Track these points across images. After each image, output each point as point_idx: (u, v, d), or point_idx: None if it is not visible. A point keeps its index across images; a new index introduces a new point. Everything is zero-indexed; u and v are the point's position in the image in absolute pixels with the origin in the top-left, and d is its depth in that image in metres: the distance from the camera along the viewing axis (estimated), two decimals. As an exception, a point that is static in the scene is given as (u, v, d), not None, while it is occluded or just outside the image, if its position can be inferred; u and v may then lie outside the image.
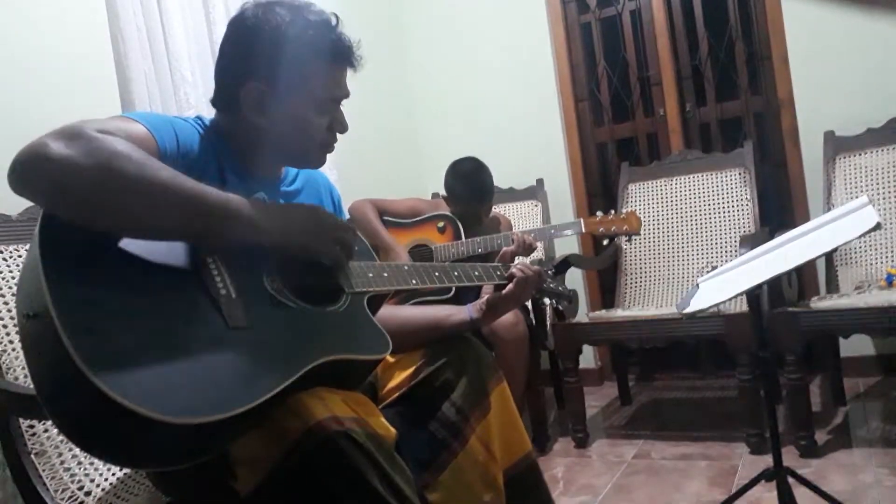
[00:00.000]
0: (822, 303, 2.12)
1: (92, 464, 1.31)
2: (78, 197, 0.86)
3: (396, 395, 1.27)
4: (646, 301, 2.78)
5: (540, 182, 3.18)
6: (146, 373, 0.81)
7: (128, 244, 0.93)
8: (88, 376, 0.75)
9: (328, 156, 1.24)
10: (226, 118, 1.17)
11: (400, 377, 1.28)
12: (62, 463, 1.27)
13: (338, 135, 1.21)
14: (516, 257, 2.33)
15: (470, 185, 2.48)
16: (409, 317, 1.35)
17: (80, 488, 1.27)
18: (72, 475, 1.27)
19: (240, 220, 0.98)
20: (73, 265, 0.86)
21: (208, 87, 2.17)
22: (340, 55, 1.16)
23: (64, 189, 0.86)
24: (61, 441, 1.29)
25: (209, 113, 1.20)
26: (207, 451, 0.91)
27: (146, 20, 2.07)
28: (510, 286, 1.35)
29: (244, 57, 1.14)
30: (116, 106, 1.96)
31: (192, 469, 0.93)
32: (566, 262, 1.50)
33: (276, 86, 1.11)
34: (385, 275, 1.22)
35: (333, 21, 1.16)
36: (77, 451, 1.30)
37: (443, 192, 2.71)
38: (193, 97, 2.16)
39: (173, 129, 1.07)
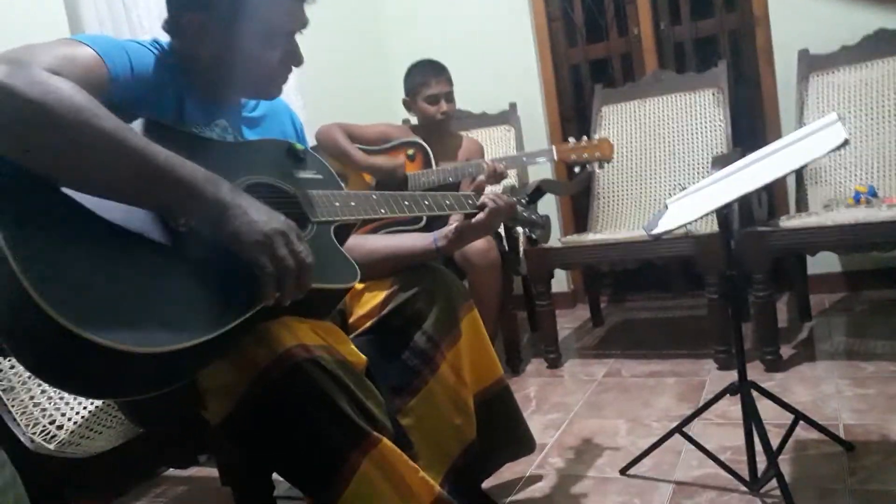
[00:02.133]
0: (791, 221, 2.14)
1: (62, 398, 1.31)
2: (12, 131, 0.81)
3: (367, 324, 1.28)
4: (618, 224, 2.79)
5: (513, 106, 3.12)
6: (108, 305, 0.80)
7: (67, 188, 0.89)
8: (48, 311, 0.74)
9: (292, 82, 1.19)
10: (178, 44, 1.11)
11: (369, 305, 1.29)
12: (32, 398, 1.27)
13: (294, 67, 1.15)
14: (487, 186, 2.31)
15: (421, 65, 2.55)
16: (375, 245, 1.34)
17: (52, 422, 1.27)
18: (42, 410, 1.27)
19: (189, 191, 0.88)
20: (25, 200, 0.82)
21: (162, 10, 2.07)
22: None
23: None
24: (29, 376, 1.28)
25: (165, 37, 1.14)
26: (174, 380, 0.91)
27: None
28: (480, 215, 1.34)
29: None
30: (64, 30, 1.86)
31: (162, 399, 0.93)
32: (539, 191, 1.48)
33: (220, 17, 1.05)
34: (352, 204, 1.20)
35: None
36: (46, 385, 1.29)
37: (413, 119, 2.66)
38: (147, 21, 2.06)
39: (126, 52, 1.01)
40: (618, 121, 2.91)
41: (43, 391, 1.28)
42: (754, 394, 1.44)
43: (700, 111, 2.76)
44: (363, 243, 1.33)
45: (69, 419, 1.29)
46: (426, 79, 2.50)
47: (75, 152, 0.83)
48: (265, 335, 0.96)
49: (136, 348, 0.78)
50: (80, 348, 0.76)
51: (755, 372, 2.08)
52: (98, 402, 1.34)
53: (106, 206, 0.88)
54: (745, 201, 2.11)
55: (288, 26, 1.11)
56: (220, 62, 1.08)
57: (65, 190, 0.87)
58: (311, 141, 2.43)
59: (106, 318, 0.78)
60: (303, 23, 1.13)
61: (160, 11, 2.06)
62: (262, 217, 0.91)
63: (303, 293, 0.94)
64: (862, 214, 1.99)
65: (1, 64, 0.82)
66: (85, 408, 1.32)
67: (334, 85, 2.91)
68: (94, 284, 0.81)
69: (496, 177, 2.30)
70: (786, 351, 2.22)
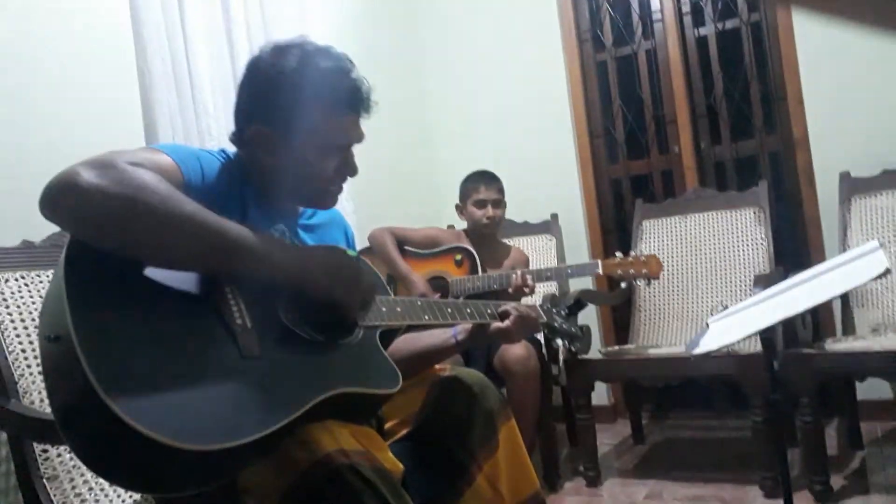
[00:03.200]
0: (837, 345, 2.10)
1: (102, 490, 1.32)
2: (105, 225, 0.90)
3: (404, 431, 1.28)
4: (660, 338, 2.77)
5: (554, 217, 3.19)
6: (160, 398, 0.84)
7: (149, 272, 0.96)
8: (104, 399, 0.77)
9: (345, 188, 1.26)
10: (243, 153, 1.20)
11: (406, 411, 1.29)
12: (73, 488, 1.28)
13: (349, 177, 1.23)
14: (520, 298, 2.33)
15: (474, 174, 2.69)
16: (396, 346, 1.34)
17: (90, 514, 1.28)
18: (83, 501, 1.28)
19: (258, 256, 1.00)
20: (96, 291, 0.88)
21: (230, 118, 2.22)
22: (351, 102, 1.17)
23: (93, 217, 0.89)
24: (73, 466, 1.30)
25: (229, 146, 1.23)
26: (216, 478, 0.92)
27: (171, 53, 2.14)
28: (507, 322, 1.37)
29: (253, 100, 1.17)
30: (140, 136, 2.01)
31: (200, 496, 0.94)
32: (579, 303, 1.50)
33: (282, 130, 1.14)
34: (398, 309, 1.24)
35: (348, 67, 1.18)
36: (88, 476, 1.32)
37: (459, 225, 2.74)
38: (215, 129, 2.21)
39: (199, 161, 1.10)
40: (658, 235, 2.94)
41: (85, 481, 1.30)
42: (803, 526, 1.38)
43: (741, 229, 2.78)
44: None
45: (107, 512, 1.30)
46: (477, 185, 2.61)
47: (165, 236, 0.92)
48: (306, 438, 0.97)
49: (187, 445, 0.80)
50: (131, 440, 0.78)
51: (804, 502, 1.99)
52: (137, 497, 1.35)
53: (172, 298, 0.94)
54: (789, 322, 2.08)
55: (343, 140, 1.19)
56: (280, 171, 1.17)
57: (138, 282, 0.93)
58: (363, 243, 2.53)
59: (160, 413, 0.81)
60: (359, 137, 1.21)
61: (227, 121, 2.22)
62: (327, 262, 1.09)
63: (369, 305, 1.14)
64: (911, 340, 1.95)
65: (90, 168, 0.90)
66: (124, 501, 1.33)
67: (384, 191, 3.03)
68: (154, 381, 0.84)
69: (522, 293, 2.31)
70: (836, 481, 2.12)
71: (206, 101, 2.22)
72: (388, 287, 1.31)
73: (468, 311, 1.36)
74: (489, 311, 1.38)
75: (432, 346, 1.38)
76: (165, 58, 2.11)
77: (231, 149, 1.22)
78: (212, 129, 2.21)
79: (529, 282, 2.32)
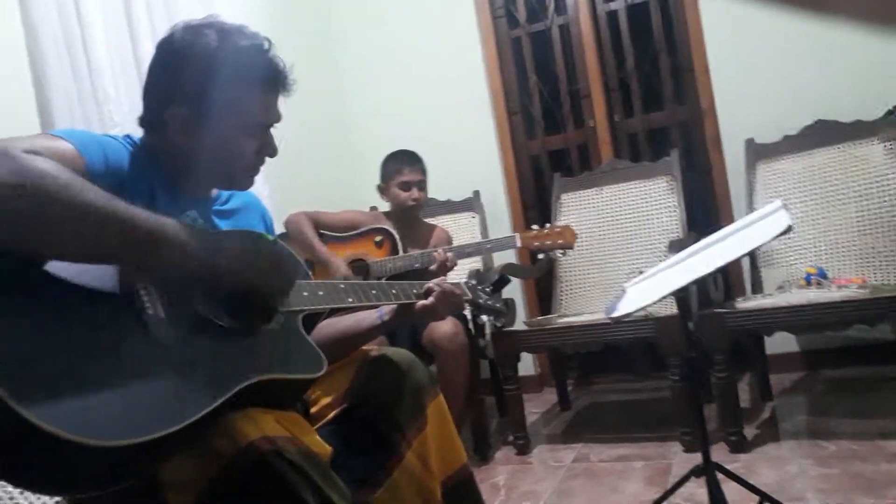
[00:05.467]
0: (747, 303, 2.21)
1: (12, 498, 1.26)
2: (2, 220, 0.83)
3: (332, 413, 1.27)
4: (581, 307, 2.84)
5: (476, 194, 3.22)
6: (68, 395, 0.79)
7: (53, 266, 0.90)
8: (6, 400, 0.73)
9: (261, 171, 1.23)
10: (154, 138, 1.15)
11: (332, 395, 1.28)
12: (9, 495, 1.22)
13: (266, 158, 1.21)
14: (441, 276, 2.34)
15: (397, 154, 2.66)
16: (323, 331, 1.32)
17: (2, 524, 1.21)
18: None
19: (170, 245, 0.93)
20: None
21: (133, 104, 2.13)
22: (270, 81, 1.15)
23: None
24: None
25: (134, 130, 1.18)
26: (134, 475, 0.89)
27: (65, 36, 2.01)
28: (429, 299, 1.37)
29: (170, 81, 1.12)
30: (35, 126, 1.89)
31: (119, 495, 0.91)
32: (503, 279, 1.52)
33: (202, 111, 1.10)
34: (320, 293, 1.22)
35: (265, 45, 1.15)
36: (-3, 484, 1.25)
37: (381, 206, 2.73)
38: (118, 115, 2.11)
39: (102, 147, 1.05)
40: (577, 207, 3.01)
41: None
42: (720, 476, 1.45)
43: (655, 198, 2.88)
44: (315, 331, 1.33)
45: (20, 520, 1.24)
46: (401, 166, 2.59)
47: (66, 227, 0.85)
48: (228, 427, 0.94)
49: (99, 442, 0.77)
50: (36, 439, 0.74)
51: (720, 453, 2.09)
52: (50, 501, 1.29)
53: (76, 289, 0.89)
54: (702, 284, 2.18)
55: (264, 119, 1.17)
56: (199, 153, 1.13)
57: (40, 276, 0.87)
58: (279, 229, 2.47)
59: (65, 408, 0.77)
60: (278, 116, 1.19)
61: (131, 106, 2.13)
62: (240, 245, 1.05)
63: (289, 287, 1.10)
64: (813, 295, 2.07)
65: None
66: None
67: (300, 174, 2.97)
68: (59, 375, 0.80)
69: (445, 268, 2.32)
70: (749, 431, 2.25)
71: (106, 87, 2.10)
72: (308, 271, 1.29)
73: (393, 291, 1.36)
74: (415, 290, 1.38)
75: (359, 328, 1.37)
76: (59, 41, 1.99)
77: (137, 134, 1.17)
78: (114, 116, 2.10)
79: (450, 258, 2.33)
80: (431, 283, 1.38)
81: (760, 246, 1.36)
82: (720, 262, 1.26)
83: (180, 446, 0.90)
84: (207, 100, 1.10)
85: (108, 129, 2.05)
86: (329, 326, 1.35)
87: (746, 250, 1.29)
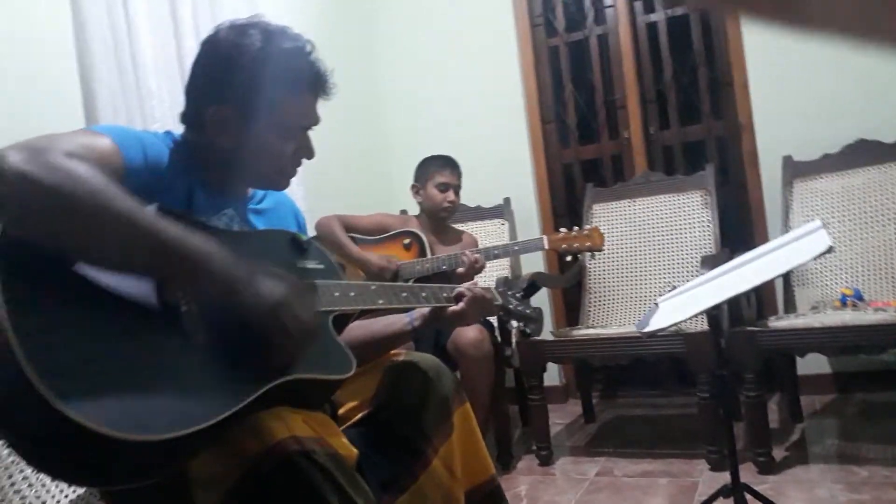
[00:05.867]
0: (780, 322, 2.17)
1: (44, 485, 1.28)
2: (28, 215, 0.84)
3: (359, 415, 1.27)
4: (609, 319, 2.82)
5: (507, 201, 3.21)
6: (101, 388, 0.80)
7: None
8: (40, 391, 0.74)
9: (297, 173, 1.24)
10: (194, 135, 1.16)
11: (360, 397, 1.28)
12: (13, 485, 1.24)
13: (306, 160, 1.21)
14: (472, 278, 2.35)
15: (436, 157, 2.66)
16: (352, 333, 1.32)
17: (32, 510, 1.24)
18: (22, 497, 1.24)
19: (193, 262, 0.90)
20: (32, 277, 0.84)
21: (175, 101, 2.16)
22: (311, 85, 1.16)
23: (13, 204, 0.84)
24: (11, 462, 1.25)
25: (174, 127, 1.20)
26: (164, 469, 0.90)
27: (113, 33, 2.05)
28: (460, 304, 1.36)
29: (213, 79, 1.13)
30: (80, 119, 1.93)
31: (148, 489, 0.92)
32: (533, 286, 1.52)
33: (243, 111, 1.11)
34: (351, 294, 1.22)
35: (308, 48, 1.16)
36: (28, 472, 1.27)
37: (412, 210, 2.73)
38: (159, 111, 2.14)
39: (141, 143, 1.06)
40: (608, 218, 2.99)
41: (24, 478, 1.25)
42: (748, 497, 1.42)
43: (688, 212, 2.84)
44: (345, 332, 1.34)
45: (49, 507, 1.26)
46: (440, 168, 2.60)
47: (92, 234, 0.86)
48: (257, 426, 0.95)
49: (127, 435, 0.77)
50: (69, 431, 0.75)
51: (748, 474, 2.05)
52: (80, 491, 1.31)
53: (113, 288, 0.90)
54: (734, 301, 2.14)
55: (303, 122, 1.18)
56: (237, 153, 1.14)
57: (74, 268, 0.89)
58: (312, 232, 2.49)
59: (99, 403, 0.78)
60: (316, 119, 1.20)
61: (172, 102, 2.16)
62: (266, 289, 0.95)
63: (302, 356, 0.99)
64: (849, 317, 2.03)
65: (20, 151, 0.85)
66: (66, 496, 1.29)
67: (334, 177, 2.99)
68: (94, 370, 0.81)
69: (473, 270, 2.32)
70: (778, 453, 2.20)
71: (149, 83, 2.14)
72: (340, 271, 1.29)
73: (423, 294, 1.36)
74: (445, 294, 1.38)
75: (388, 332, 1.37)
76: (106, 37, 2.03)
77: (177, 131, 1.18)
78: (155, 112, 2.14)
79: (479, 259, 2.33)
80: (462, 288, 1.38)
81: (799, 266, 1.33)
82: (757, 281, 1.24)
83: (210, 443, 0.91)
84: (249, 100, 1.11)
85: (149, 124, 2.09)
86: (358, 329, 1.35)
87: (785, 270, 1.27)
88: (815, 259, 1.25)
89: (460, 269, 2.31)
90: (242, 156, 1.14)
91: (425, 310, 1.37)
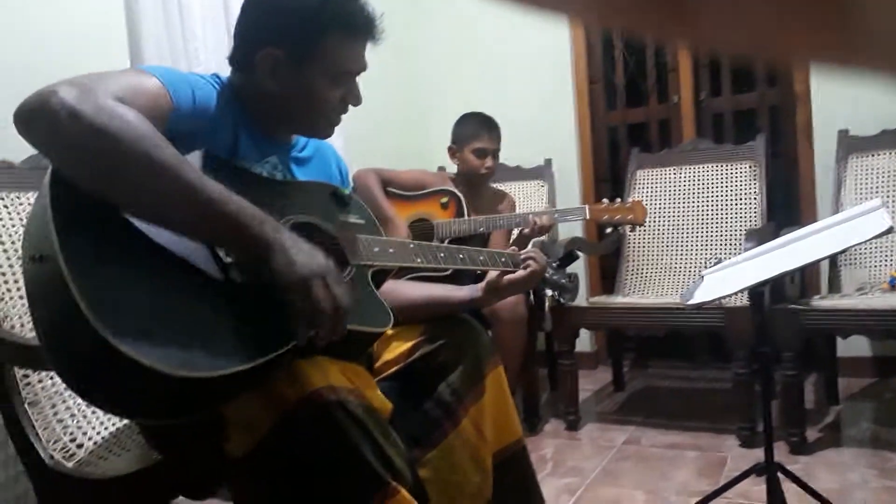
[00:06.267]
0: (824, 302, 2.11)
1: (85, 416, 1.31)
2: (72, 151, 0.84)
3: (393, 369, 1.28)
4: (646, 289, 2.77)
5: (548, 162, 3.15)
6: (147, 322, 0.82)
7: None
8: (91, 321, 0.75)
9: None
10: (242, 78, 1.15)
11: (397, 351, 1.29)
12: (55, 414, 1.27)
13: (350, 107, 1.19)
14: (531, 240, 2.34)
15: (474, 117, 2.57)
16: (412, 292, 1.35)
17: (73, 440, 1.27)
18: (64, 427, 1.27)
19: (239, 227, 0.89)
20: (82, 213, 0.85)
21: (219, 45, 2.15)
22: (362, 29, 1.14)
23: (61, 139, 0.84)
24: (55, 392, 1.29)
25: (218, 69, 1.18)
26: (203, 408, 0.92)
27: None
28: (520, 273, 1.35)
29: (264, 22, 1.12)
30: (125, 59, 1.93)
31: (186, 427, 0.94)
32: (571, 255, 1.49)
33: (294, 54, 1.10)
34: (391, 250, 1.22)
35: None
36: (71, 403, 1.30)
37: (450, 168, 2.70)
38: (203, 54, 2.13)
39: (190, 86, 1.05)
40: (652, 185, 2.92)
41: (67, 408, 1.29)
42: (779, 476, 1.40)
43: (736, 183, 2.76)
44: (401, 289, 1.34)
45: (90, 438, 1.29)
46: (479, 131, 2.52)
47: (134, 179, 0.86)
48: (295, 373, 0.95)
49: (172, 371, 0.79)
50: (117, 363, 0.77)
51: (779, 453, 2.01)
52: (119, 424, 1.34)
53: (161, 232, 0.90)
54: (778, 278, 2.09)
55: (353, 67, 1.16)
56: (286, 97, 1.13)
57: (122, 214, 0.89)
58: (352, 182, 2.48)
59: (147, 338, 0.80)
60: (364, 65, 1.18)
61: (216, 44, 2.15)
62: (301, 258, 0.92)
63: (338, 337, 0.95)
64: (897, 301, 1.96)
65: (72, 88, 0.85)
66: (106, 428, 1.32)
67: (374, 131, 2.97)
68: (140, 306, 0.83)
69: (541, 231, 2.32)
70: (811, 434, 2.17)
71: (194, 26, 2.13)
72: (379, 227, 1.28)
73: (461, 255, 1.34)
74: (482, 258, 1.36)
75: (448, 300, 1.36)
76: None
77: (224, 74, 1.17)
78: (199, 55, 2.13)
79: (542, 221, 2.32)
80: (531, 254, 1.37)
81: (855, 246, 1.28)
82: (810, 259, 1.19)
83: (249, 386, 0.92)
84: (300, 44, 1.09)
85: (193, 66, 2.08)
86: (411, 290, 1.36)
87: (840, 248, 1.22)
88: (872, 239, 1.19)
89: (526, 230, 2.30)
90: (290, 100, 1.13)
91: (483, 283, 1.36)
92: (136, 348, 0.76)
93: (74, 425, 1.29)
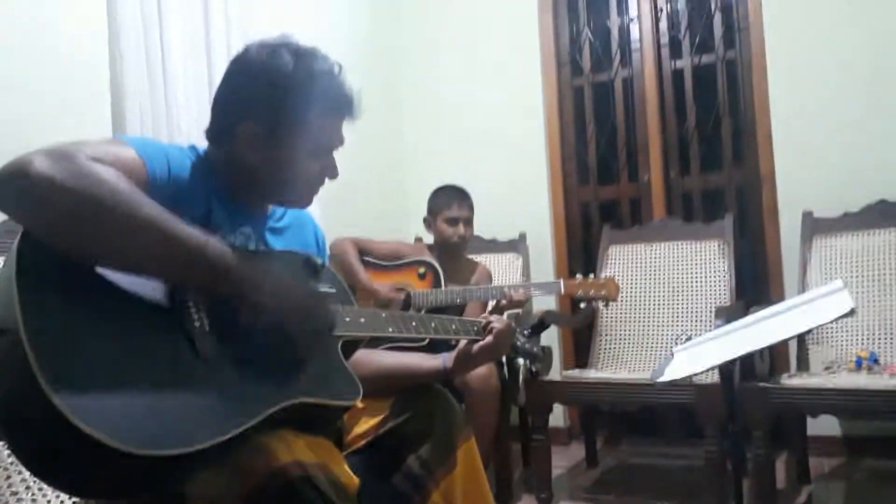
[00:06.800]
0: (793, 380, 2.13)
1: (41, 489, 1.26)
2: (53, 220, 0.85)
3: (362, 442, 1.26)
4: (619, 363, 2.78)
5: (522, 236, 3.20)
6: (110, 400, 0.80)
7: (106, 270, 0.91)
8: (50, 397, 0.74)
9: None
10: (218, 151, 1.17)
11: (367, 424, 1.27)
12: (9, 486, 1.22)
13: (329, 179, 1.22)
14: (505, 312, 2.35)
15: (446, 188, 2.66)
16: (382, 362, 1.34)
17: (25, 514, 1.22)
18: (18, 499, 1.22)
19: (222, 274, 0.94)
20: (49, 284, 0.84)
21: (202, 114, 2.18)
22: (341, 106, 1.17)
23: (39, 210, 0.85)
24: (11, 463, 1.24)
25: (199, 140, 1.20)
26: (165, 485, 0.89)
27: (146, 40, 2.08)
28: (488, 338, 1.35)
29: (245, 97, 1.14)
30: (107, 124, 1.95)
31: (145, 503, 0.90)
32: (542, 324, 1.51)
33: (273, 129, 1.12)
34: (362, 320, 1.22)
35: (336, 70, 1.17)
36: (27, 475, 1.25)
37: (427, 239, 2.73)
38: (185, 122, 2.16)
39: (165, 156, 1.06)
40: (624, 261, 2.97)
41: (23, 480, 1.24)
42: (753, 560, 1.38)
43: (705, 261, 2.82)
44: (372, 359, 1.33)
45: (43, 513, 1.24)
46: (450, 201, 2.59)
47: (117, 238, 0.87)
48: (261, 448, 0.94)
49: (134, 449, 0.77)
50: (76, 440, 0.75)
51: (752, 534, 2.00)
52: (77, 501, 1.29)
53: (128, 300, 0.90)
54: (747, 355, 2.11)
55: (332, 143, 1.19)
56: (265, 170, 1.14)
57: (93, 277, 0.88)
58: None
59: (110, 414, 0.78)
60: (342, 140, 1.21)
61: (199, 115, 2.18)
62: (285, 289, 1.02)
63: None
64: (864, 381, 1.99)
65: (47, 156, 0.86)
66: (63, 502, 1.27)
67: (352, 201, 3.00)
68: (105, 379, 0.81)
69: (514, 304, 2.34)
70: (784, 514, 2.15)
71: (177, 95, 2.17)
72: (351, 296, 1.28)
73: (433, 324, 1.34)
74: (454, 326, 1.37)
75: (418, 370, 1.36)
76: (139, 45, 2.06)
77: (201, 145, 1.19)
78: (181, 124, 2.16)
79: (522, 294, 2.34)
80: (491, 318, 1.37)
81: (819, 326, 1.31)
82: (776, 338, 1.22)
83: (213, 462, 0.90)
84: (281, 119, 1.12)
85: (175, 136, 2.11)
86: (382, 359, 1.35)
87: (805, 329, 1.25)
88: (835, 321, 1.23)
89: (503, 302, 2.31)
90: (270, 173, 1.15)
91: (455, 352, 1.36)
92: (98, 426, 0.75)
93: (29, 499, 1.24)
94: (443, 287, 2.42)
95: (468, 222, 2.61)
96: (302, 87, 1.12)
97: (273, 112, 1.11)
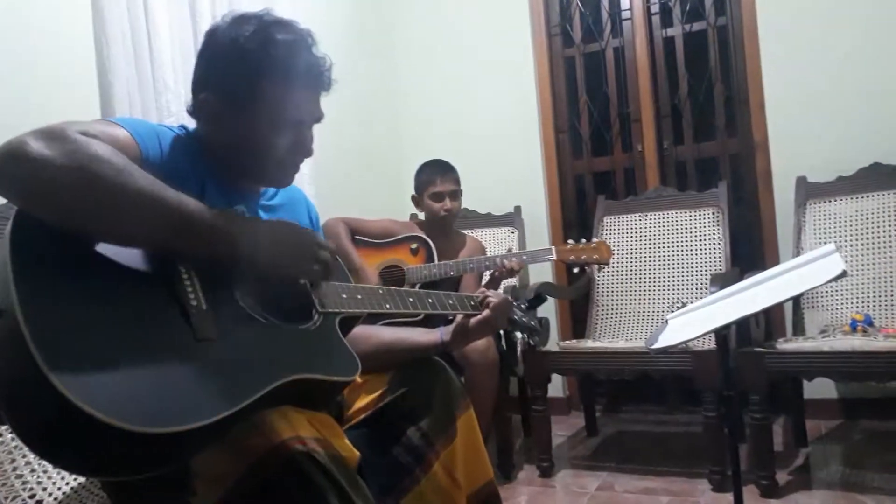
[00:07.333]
0: (788, 345, 2.15)
1: (45, 471, 1.27)
2: (53, 198, 0.86)
3: (362, 416, 1.27)
4: (616, 333, 2.80)
5: (518, 209, 3.20)
6: (109, 379, 0.80)
7: (101, 249, 0.92)
8: (49, 378, 0.74)
9: (306, 171, 1.24)
10: (201, 128, 1.16)
11: (367, 399, 1.28)
12: (14, 469, 1.24)
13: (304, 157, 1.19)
14: (501, 283, 2.38)
15: (430, 164, 2.66)
16: (382, 337, 1.35)
17: (32, 496, 1.23)
18: (23, 482, 1.23)
19: (219, 235, 0.97)
20: (44, 265, 0.85)
21: (189, 95, 2.16)
22: (302, 78, 1.12)
23: (39, 189, 0.86)
24: (15, 447, 1.25)
25: (189, 122, 1.19)
26: (167, 463, 0.89)
27: (132, 25, 2.06)
28: (485, 312, 1.36)
29: (203, 68, 1.13)
30: (96, 110, 1.94)
31: (149, 481, 0.92)
32: (539, 297, 1.51)
33: (228, 101, 1.10)
34: (359, 297, 1.22)
35: (307, 41, 1.13)
36: (31, 457, 1.27)
37: (421, 216, 2.73)
38: (175, 105, 2.14)
39: (157, 136, 1.06)
40: (619, 231, 2.98)
41: (27, 462, 1.25)
42: (750, 520, 1.41)
43: (700, 229, 2.83)
44: (371, 334, 1.34)
45: (50, 494, 1.25)
46: (433, 177, 2.58)
47: (115, 211, 0.89)
48: (262, 424, 0.95)
49: (135, 427, 0.77)
50: (77, 420, 0.75)
51: (750, 496, 2.04)
52: (81, 480, 1.30)
53: (125, 278, 0.90)
54: (742, 321, 2.13)
55: (295, 116, 1.14)
56: (230, 145, 1.13)
57: (89, 257, 0.89)
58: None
59: (108, 393, 0.78)
60: (314, 115, 1.17)
61: (187, 96, 2.16)
62: (286, 237, 1.06)
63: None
64: (858, 343, 2.01)
65: (39, 137, 0.86)
66: (67, 483, 1.29)
67: (347, 178, 2.99)
68: (103, 359, 0.81)
69: (508, 273, 2.36)
70: (781, 476, 2.18)
71: (165, 77, 2.14)
72: (348, 274, 1.29)
73: (429, 300, 1.35)
74: (451, 301, 1.38)
75: (417, 345, 1.37)
76: (125, 28, 2.03)
77: (192, 124, 1.18)
78: (171, 106, 2.14)
79: (515, 264, 2.35)
80: (488, 292, 1.38)
81: (811, 289, 1.32)
82: (769, 302, 1.23)
83: (214, 439, 0.91)
84: (233, 90, 1.09)
85: (164, 118, 2.09)
86: (380, 334, 1.36)
87: (797, 292, 1.26)
88: (827, 283, 1.23)
89: (496, 273, 2.33)
90: (235, 149, 1.13)
91: (452, 326, 1.37)
92: (98, 405, 0.75)
93: (34, 480, 1.25)
94: (435, 261, 2.43)
95: (454, 195, 2.60)
96: (254, 57, 1.08)
97: (225, 83, 1.09)
